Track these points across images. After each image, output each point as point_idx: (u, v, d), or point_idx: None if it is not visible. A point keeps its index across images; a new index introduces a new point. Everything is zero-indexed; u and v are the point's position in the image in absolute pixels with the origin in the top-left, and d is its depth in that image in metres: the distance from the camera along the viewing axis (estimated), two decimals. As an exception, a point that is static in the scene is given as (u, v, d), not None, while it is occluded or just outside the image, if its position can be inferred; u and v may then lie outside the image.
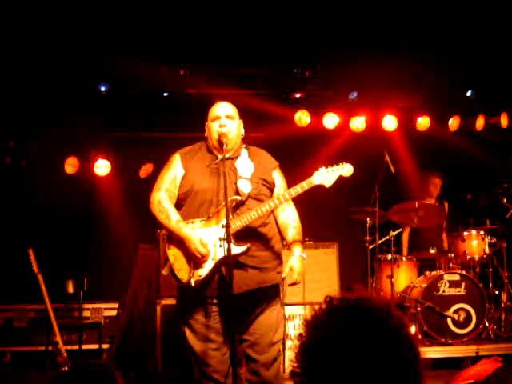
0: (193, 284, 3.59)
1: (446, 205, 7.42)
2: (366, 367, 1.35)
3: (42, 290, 5.33)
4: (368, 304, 1.45)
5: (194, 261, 3.60)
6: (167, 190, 3.75)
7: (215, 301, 3.66)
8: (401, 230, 7.33)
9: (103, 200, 7.96)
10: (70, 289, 6.97)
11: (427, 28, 6.61)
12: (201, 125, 3.96)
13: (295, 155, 7.49)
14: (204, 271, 3.59)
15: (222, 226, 3.51)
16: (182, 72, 7.15)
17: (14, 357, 6.85)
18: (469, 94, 7.99)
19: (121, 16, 6.24)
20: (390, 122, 7.98)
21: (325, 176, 3.65)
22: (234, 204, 3.62)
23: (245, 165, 3.78)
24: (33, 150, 7.59)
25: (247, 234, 3.63)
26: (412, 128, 8.06)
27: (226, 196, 3.48)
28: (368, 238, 6.81)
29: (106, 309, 7.24)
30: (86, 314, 7.19)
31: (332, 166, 3.70)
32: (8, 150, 7.55)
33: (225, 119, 3.76)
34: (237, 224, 3.57)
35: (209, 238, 3.62)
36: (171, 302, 5.79)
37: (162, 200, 3.70)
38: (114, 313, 7.05)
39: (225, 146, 3.67)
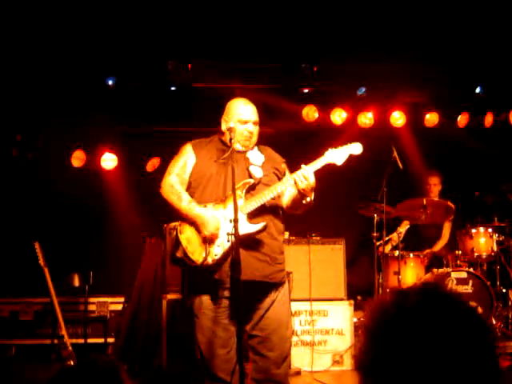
0: (210, 262, 3.56)
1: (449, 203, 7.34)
2: (451, 357, 1.25)
3: (47, 284, 5.32)
4: (445, 292, 1.37)
5: (209, 240, 3.59)
6: (178, 174, 3.78)
7: (227, 285, 3.60)
8: (408, 226, 7.27)
9: (110, 194, 7.94)
10: (76, 282, 6.97)
11: (436, 24, 6.58)
12: (209, 119, 3.94)
13: (302, 150, 7.43)
14: (219, 251, 3.58)
15: (230, 221, 3.46)
16: (190, 66, 7.13)
17: (20, 350, 6.86)
18: (478, 90, 7.94)
19: (127, 9, 6.23)
20: (398, 118, 7.95)
21: (335, 154, 3.67)
22: (246, 187, 3.66)
23: (256, 155, 3.84)
24: (40, 142, 7.58)
25: (261, 218, 3.65)
26: (420, 124, 8.02)
27: (233, 187, 3.45)
28: (375, 234, 6.79)
29: (111, 303, 7.24)
30: (92, 307, 7.18)
31: (341, 145, 3.73)
32: (15, 142, 7.54)
33: (253, 126, 3.80)
34: (251, 203, 3.61)
35: (222, 219, 3.63)
36: (177, 296, 5.79)
37: (175, 183, 3.74)
38: (119, 307, 7.05)
39: (244, 149, 3.79)
